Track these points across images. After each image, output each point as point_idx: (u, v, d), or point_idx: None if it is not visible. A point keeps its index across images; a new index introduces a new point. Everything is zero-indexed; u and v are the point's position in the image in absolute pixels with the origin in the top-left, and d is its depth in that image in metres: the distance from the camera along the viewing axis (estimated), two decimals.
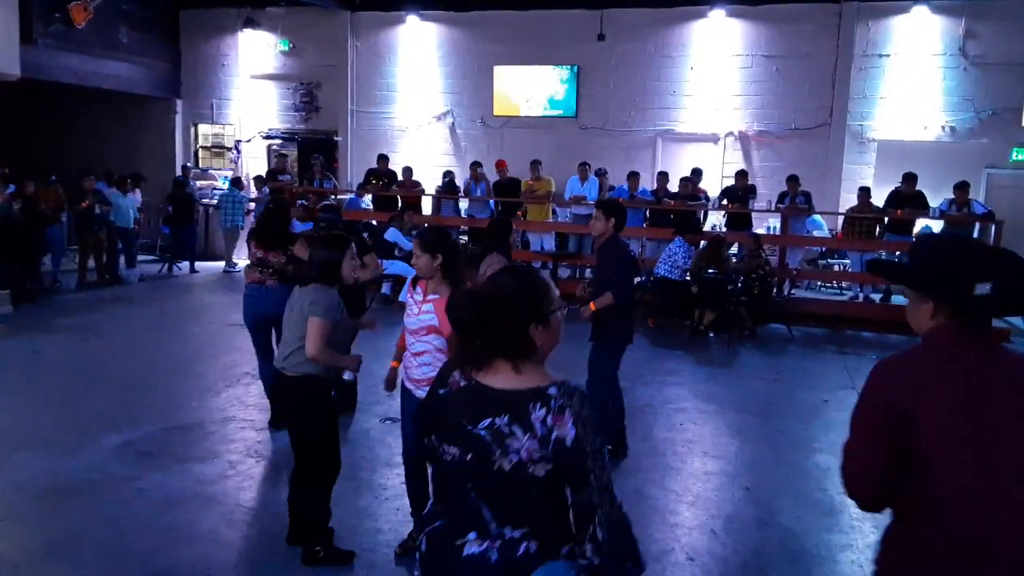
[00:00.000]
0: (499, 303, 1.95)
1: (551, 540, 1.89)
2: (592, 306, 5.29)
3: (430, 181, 13.26)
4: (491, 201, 12.51)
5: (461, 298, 2.03)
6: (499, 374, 1.94)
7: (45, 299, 10.44)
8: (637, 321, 9.52)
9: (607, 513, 1.83)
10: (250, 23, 14.69)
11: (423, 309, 3.76)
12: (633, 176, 11.87)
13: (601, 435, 1.88)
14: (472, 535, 1.90)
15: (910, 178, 10.76)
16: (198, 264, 13.47)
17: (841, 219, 11.69)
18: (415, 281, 3.89)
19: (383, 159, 13.21)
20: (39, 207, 10.68)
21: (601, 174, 12.29)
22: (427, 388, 2.55)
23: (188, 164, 15.23)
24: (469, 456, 1.90)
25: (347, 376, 4.01)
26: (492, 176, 12.67)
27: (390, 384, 4.17)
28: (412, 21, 14.26)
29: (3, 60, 10.82)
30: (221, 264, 13.64)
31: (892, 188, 11.15)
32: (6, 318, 9.21)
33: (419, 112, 14.42)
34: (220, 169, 15.79)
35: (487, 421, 1.88)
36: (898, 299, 10.84)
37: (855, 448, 1.96)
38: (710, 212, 12.08)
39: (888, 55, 12.26)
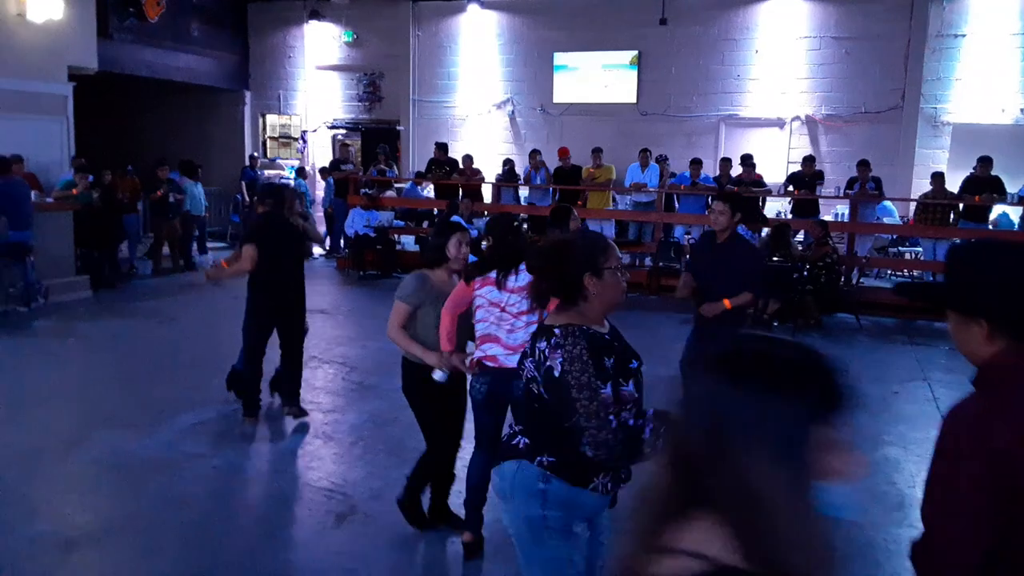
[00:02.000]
0: (556, 252, 2.39)
1: (536, 446, 2.38)
2: (727, 303, 4.99)
3: (490, 169, 13.31)
4: (551, 189, 12.50)
5: (535, 250, 2.51)
6: (553, 312, 2.42)
7: (123, 285, 10.85)
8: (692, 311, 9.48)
9: (594, 435, 2.22)
10: (315, 15, 14.95)
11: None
12: (695, 163, 11.70)
13: (597, 376, 2.23)
14: (510, 422, 2.58)
15: (985, 162, 10.34)
16: None
17: (913, 205, 11.33)
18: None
19: (441, 148, 13.28)
20: (117, 196, 11.09)
21: (662, 161, 12.15)
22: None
23: (256, 154, 15.62)
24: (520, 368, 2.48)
25: (436, 376, 3.71)
26: (554, 163, 12.64)
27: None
28: (473, 9, 14.31)
29: (82, 54, 11.26)
30: None
31: (967, 173, 10.74)
32: (86, 303, 9.62)
33: (479, 100, 14.48)
34: (288, 159, 16.16)
35: (526, 347, 2.45)
36: None
37: (955, 534, 1.53)
38: (774, 198, 11.84)
39: (964, 35, 11.79)
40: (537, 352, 2.34)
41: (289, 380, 5.72)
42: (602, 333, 2.36)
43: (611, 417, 2.23)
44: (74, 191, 10.22)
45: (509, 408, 2.64)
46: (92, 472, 4.85)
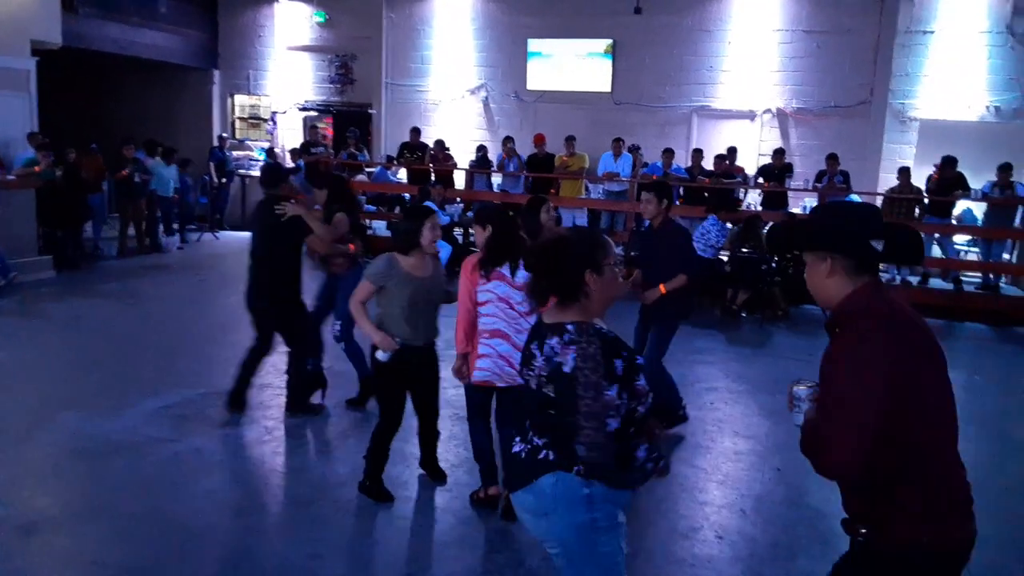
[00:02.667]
0: (555, 250, 2.34)
1: (566, 454, 2.27)
2: (663, 288, 5.23)
3: (463, 155, 13.24)
4: (523, 176, 12.48)
5: (532, 248, 2.49)
6: (553, 310, 2.36)
7: (87, 265, 10.65)
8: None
9: (591, 436, 2.17)
10: None
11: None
12: (667, 153, 11.75)
13: (605, 377, 2.18)
14: (518, 438, 2.46)
15: (949, 162, 10.47)
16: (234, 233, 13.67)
17: (880, 199, 11.49)
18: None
19: (415, 132, 13.20)
20: (81, 174, 10.85)
21: (634, 150, 12.18)
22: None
23: (224, 134, 15.38)
24: (523, 374, 2.43)
25: (379, 355, 4.00)
26: (527, 150, 12.58)
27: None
28: None
29: (45, 28, 10.96)
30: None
31: (932, 170, 10.91)
32: (49, 283, 9.43)
33: (453, 85, 14.38)
34: (256, 140, 15.93)
35: (531, 345, 2.38)
36: (936, 282, 10.66)
37: (862, 420, 1.92)
38: (746, 191, 11.94)
39: (932, 32, 11.95)
40: (547, 348, 2.28)
41: (289, 383, 5.56)
42: (606, 331, 2.33)
43: (609, 420, 2.19)
44: (36, 169, 9.97)
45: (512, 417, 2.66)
46: (53, 455, 4.76)
